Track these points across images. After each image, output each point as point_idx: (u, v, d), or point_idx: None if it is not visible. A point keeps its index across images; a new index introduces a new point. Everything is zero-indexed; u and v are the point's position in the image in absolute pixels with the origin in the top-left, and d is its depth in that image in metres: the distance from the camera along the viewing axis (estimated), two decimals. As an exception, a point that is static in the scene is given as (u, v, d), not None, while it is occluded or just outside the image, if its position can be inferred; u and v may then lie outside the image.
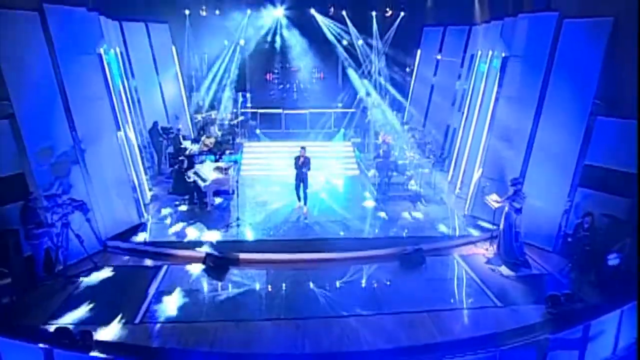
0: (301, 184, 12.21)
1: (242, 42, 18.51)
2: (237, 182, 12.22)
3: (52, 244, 9.09)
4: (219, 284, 9.17)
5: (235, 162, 14.90)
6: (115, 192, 10.95)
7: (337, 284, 9.21)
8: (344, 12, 18.09)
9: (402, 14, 18.40)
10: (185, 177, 12.72)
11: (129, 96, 13.38)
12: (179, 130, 15.36)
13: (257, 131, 18.24)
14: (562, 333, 6.84)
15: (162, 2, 16.71)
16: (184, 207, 12.53)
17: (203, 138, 15.16)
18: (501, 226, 9.92)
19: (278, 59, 19.51)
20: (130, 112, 13.01)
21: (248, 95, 19.61)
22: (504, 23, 12.21)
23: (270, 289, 9.02)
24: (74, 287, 8.85)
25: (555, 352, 6.65)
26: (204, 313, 8.17)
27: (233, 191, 12.98)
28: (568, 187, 10.24)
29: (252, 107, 19.41)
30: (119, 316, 7.86)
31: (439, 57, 17.15)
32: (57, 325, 7.30)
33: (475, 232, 11.33)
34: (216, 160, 14.19)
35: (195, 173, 12.83)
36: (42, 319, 7.76)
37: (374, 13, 18.35)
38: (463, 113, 14.42)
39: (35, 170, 9.18)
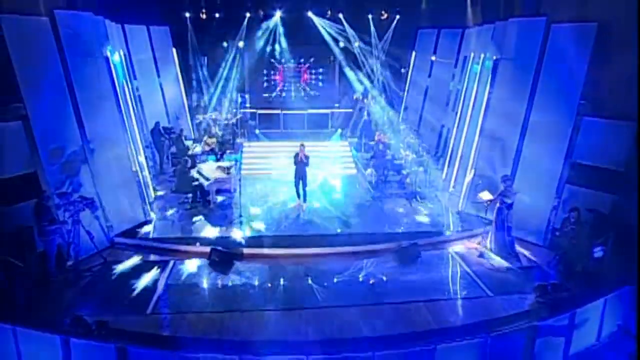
0: (300, 182, 12.63)
1: (241, 44, 18.89)
2: (239, 180, 12.60)
3: (63, 240, 9.48)
4: (224, 277, 9.59)
5: (236, 161, 15.33)
6: (122, 190, 11.34)
7: (336, 277, 9.62)
8: (340, 15, 18.48)
9: (397, 17, 18.82)
10: (189, 176, 13.11)
11: (132, 97, 13.74)
12: (181, 130, 15.74)
13: (257, 131, 18.67)
14: (550, 321, 7.27)
15: (163, 6, 17.04)
16: (187, 205, 12.92)
17: (205, 138, 15.56)
18: (493, 221, 10.40)
19: (276, 61, 19.87)
20: (134, 113, 13.39)
21: (247, 96, 19.96)
22: (495, 27, 12.64)
23: (272, 282, 9.43)
24: (85, 281, 9.25)
25: (543, 339, 7.10)
26: (211, 304, 8.62)
27: (235, 189, 13.41)
28: (556, 184, 10.72)
29: (251, 108, 19.79)
30: (131, 308, 8.29)
31: (433, 58, 17.61)
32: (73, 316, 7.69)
33: (468, 228, 11.78)
34: (217, 160, 14.60)
35: (198, 172, 13.26)
36: (57, 311, 8.11)
37: (370, 16, 18.74)
38: (457, 113, 14.87)
39: (47, 169, 9.55)
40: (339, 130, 18.85)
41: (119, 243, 10.83)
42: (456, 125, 14.68)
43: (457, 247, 11.00)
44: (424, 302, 8.59)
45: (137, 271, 9.74)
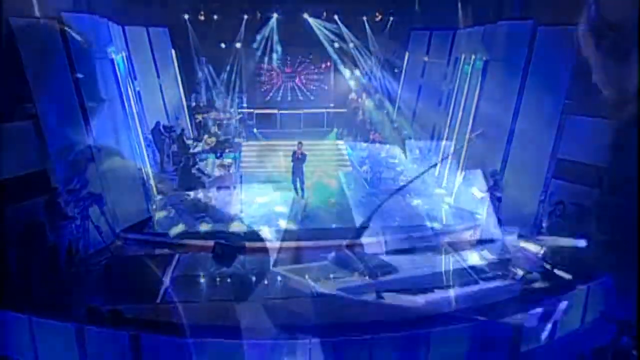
0: (298, 178, 13.09)
1: (238, 45, 19.24)
2: (240, 177, 13.05)
3: (73, 235, 9.84)
4: (228, 269, 10.00)
5: (235, 159, 15.73)
6: (127, 187, 11.69)
7: (334, 268, 10.05)
8: (336, 17, 18.90)
9: (391, 18, 19.28)
10: (192, 173, 13.51)
11: (134, 97, 14.11)
12: (182, 130, 16.10)
13: (255, 130, 19.08)
14: (537, 307, 7.70)
15: (162, 7, 17.36)
16: (190, 202, 13.30)
17: (205, 137, 15.94)
18: (483, 214, 10.91)
19: (273, 61, 20.22)
20: (136, 112, 13.76)
21: (245, 96, 20.33)
22: (485, 29, 13.14)
23: (273, 272, 9.87)
24: (95, 274, 9.62)
25: (530, 324, 7.56)
26: (217, 294, 9.09)
27: (235, 186, 13.84)
28: (543, 179, 11.20)
29: (249, 108, 20.12)
30: (141, 298, 8.69)
31: (426, 59, 18.08)
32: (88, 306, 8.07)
33: (460, 221, 12.28)
34: (218, 158, 15.00)
35: (199, 170, 13.67)
36: (70, 303, 8.44)
37: (364, 18, 19.17)
38: (448, 112, 15.36)
39: (56, 167, 9.88)
40: (335, 129, 19.30)
41: (125, 238, 11.19)
42: (448, 123, 15.16)
43: (450, 239, 11.45)
44: (419, 290, 9.04)
45: (143, 265, 10.07)
